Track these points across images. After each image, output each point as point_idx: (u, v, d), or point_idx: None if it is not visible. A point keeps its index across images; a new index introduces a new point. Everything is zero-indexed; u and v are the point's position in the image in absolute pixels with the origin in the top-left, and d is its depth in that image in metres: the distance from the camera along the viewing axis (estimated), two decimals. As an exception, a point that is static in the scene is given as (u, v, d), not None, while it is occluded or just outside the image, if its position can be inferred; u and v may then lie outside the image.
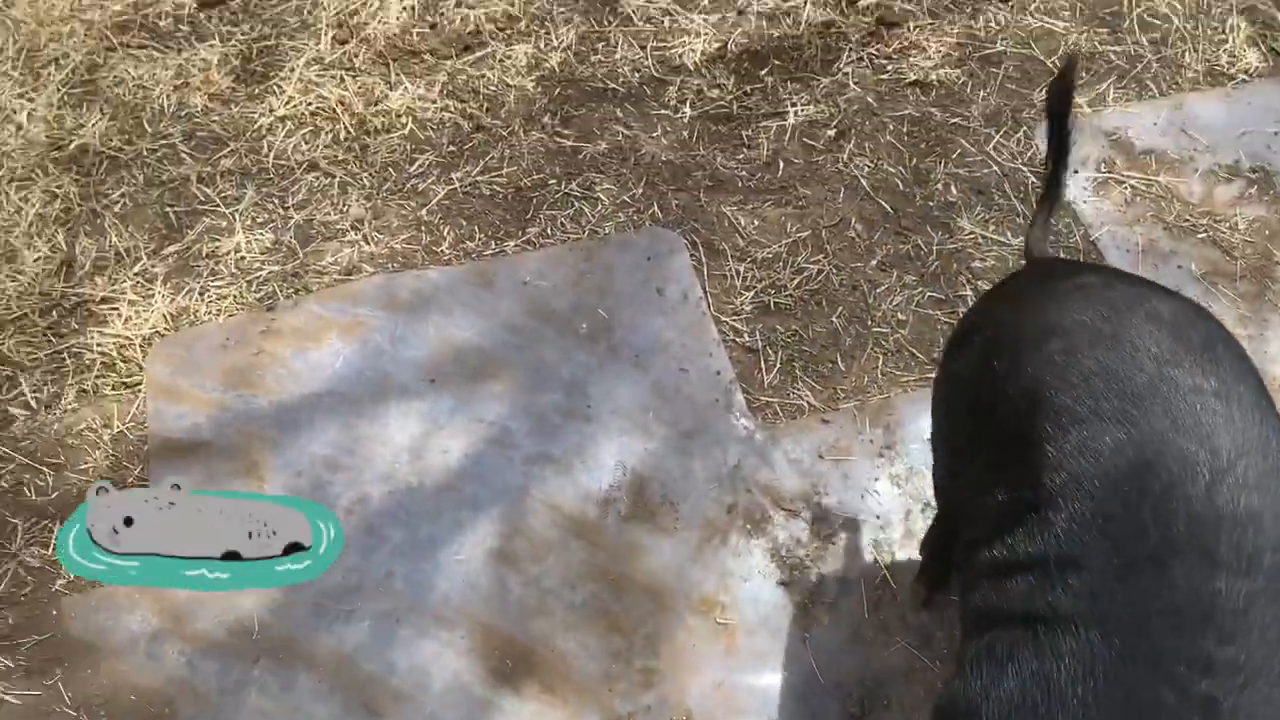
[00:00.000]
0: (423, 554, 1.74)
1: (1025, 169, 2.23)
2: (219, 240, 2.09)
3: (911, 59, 2.41)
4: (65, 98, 2.31)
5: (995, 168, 2.23)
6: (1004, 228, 2.15)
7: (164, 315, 1.98)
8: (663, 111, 2.32)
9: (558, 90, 2.35)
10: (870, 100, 2.35)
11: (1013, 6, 2.49)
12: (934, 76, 2.38)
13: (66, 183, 2.18)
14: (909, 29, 2.47)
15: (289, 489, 1.80)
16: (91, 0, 2.45)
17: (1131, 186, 2.20)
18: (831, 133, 2.29)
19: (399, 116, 2.28)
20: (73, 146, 2.23)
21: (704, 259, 2.09)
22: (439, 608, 1.69)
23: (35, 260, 2.07)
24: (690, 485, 1.82)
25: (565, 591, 1.71)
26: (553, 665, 1.64)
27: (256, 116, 2.27)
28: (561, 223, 2.14)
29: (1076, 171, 2.22)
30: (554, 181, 2.20)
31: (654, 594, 1.71)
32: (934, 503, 1.80)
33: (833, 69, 2.40)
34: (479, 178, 2.20)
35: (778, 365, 1.96)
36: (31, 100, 2.31)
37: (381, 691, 1.62)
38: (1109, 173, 2.22)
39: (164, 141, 2.22)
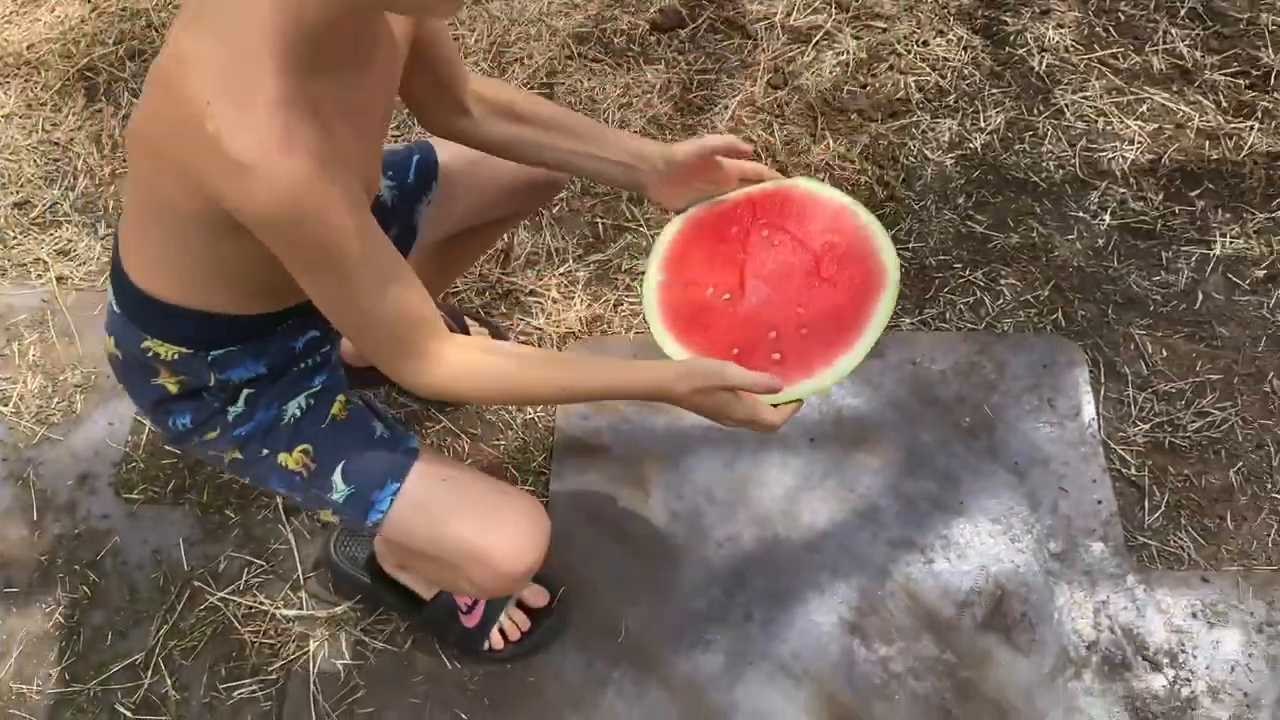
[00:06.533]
0: (780, 604, 1.83)
1: None
2: (637, 259, 2.25)
3: (1365, 210, 2.26)
4: (521, 95, 2.55)
5: None
6: None
7: (580, 318, 2.16)
8: (1081, 215, 2.29)
9: (976, 173, 2.36)
10: (1310, 247, 2.22)
11: None
12: (1388, 235, 2.21)
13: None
14: (1366, 176, 2.31)
15: (667, 510, 1.93)
16: (559, 7, 2.68)
17: None
18: (1261, 274, 2.19)
19: (817, 171, 2.37)
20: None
21: (1103, 378, 2.06)
22: (788, 660, 1.78)
23: (477, 241, 2.31)
24: (1052, 610, 1.81)
25: (910, 680, 1.76)
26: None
27: (687, 146, 2.41)
28: (960, 309, 2.16)
29: None
30: (959, 266, 2.22)
31: (998, 708, 1.72)
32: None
33: (1272, 205, 2.28)
34: (885, 247, 2.25)
35: (1162, 508, 1.91)
36: (493, 92, 2.56)
37: (723, 725, 1.73)
38: None
39: (604, 155, 2.41)
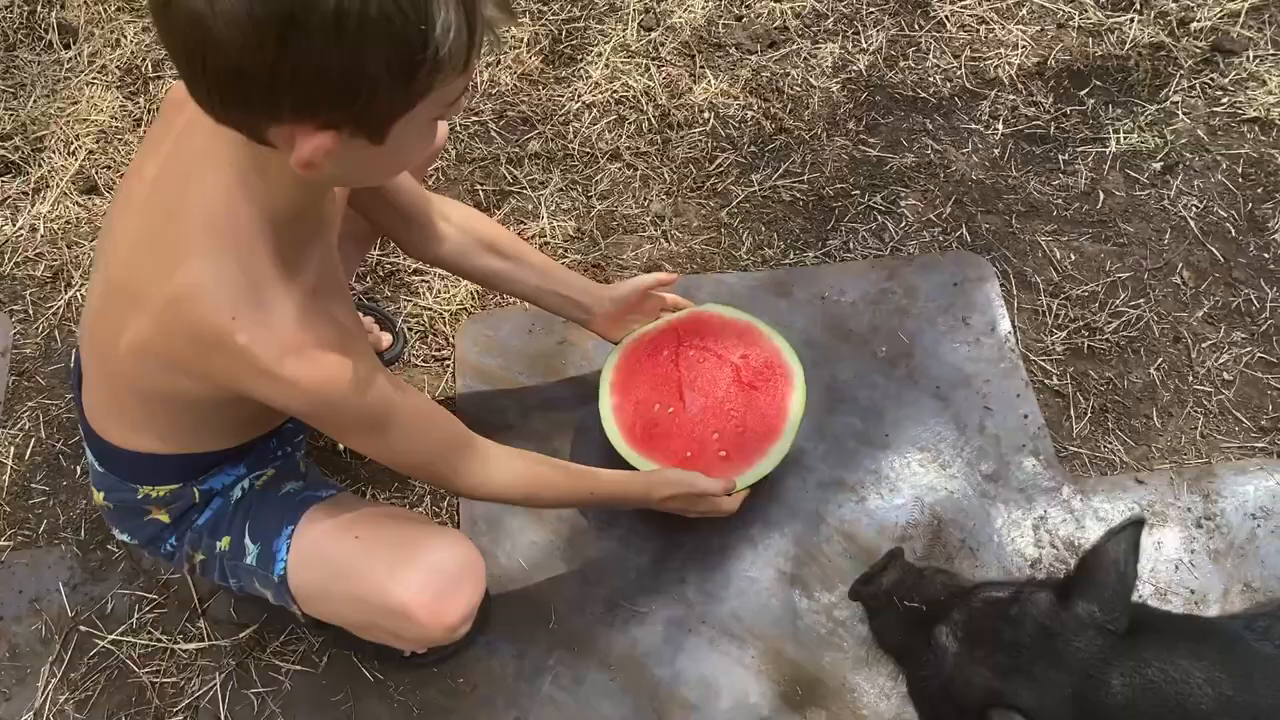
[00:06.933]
0: (713, 565, 1.75)
1: (1378, 226, 2.04)
2: (525, 223, 2.13)
3: (1250, 92, 2.23)
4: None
5: (1344, 222, 2.05)
6: (1350, 290, 1.97)
7: (471, 293, 2.03)
8: (974, 127, 2.23)
9: (864, 95, 2.28)
10: (1201, 134, 2.19)
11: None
12: (1276, 114, 2.20)
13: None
14: (1248, 59, 2.29)
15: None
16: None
17: None
18: (1157, 166, 2.15)
19: (701, 111, 2.26)
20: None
21: (1014, 290, 2.00)
22: (729, 622, 1.69)
23: (351, 224, 2.15)
24: (991, 532, 1.75)
25: (857, 625, 1.69)
26: (843, 699, 1.62)
27: (564, 101, 2.29)
28: (863, 236, 2.09)
29: None
30: (857, 192, 2.14)
31: (948, 641, 1.66)
32: (1256, 585, 1.69)
33: (1160, 96, 2.25)
34: (779, 182, 2.16)
35: (1089, 415, 1.86)
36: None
37: (670, 698, 1.63)
38: None
39: (475, 119, 2.27)
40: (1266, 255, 2.02)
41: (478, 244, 1.64)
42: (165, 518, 1.39)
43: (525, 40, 2.37)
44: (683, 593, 1.73)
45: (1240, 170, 2.13)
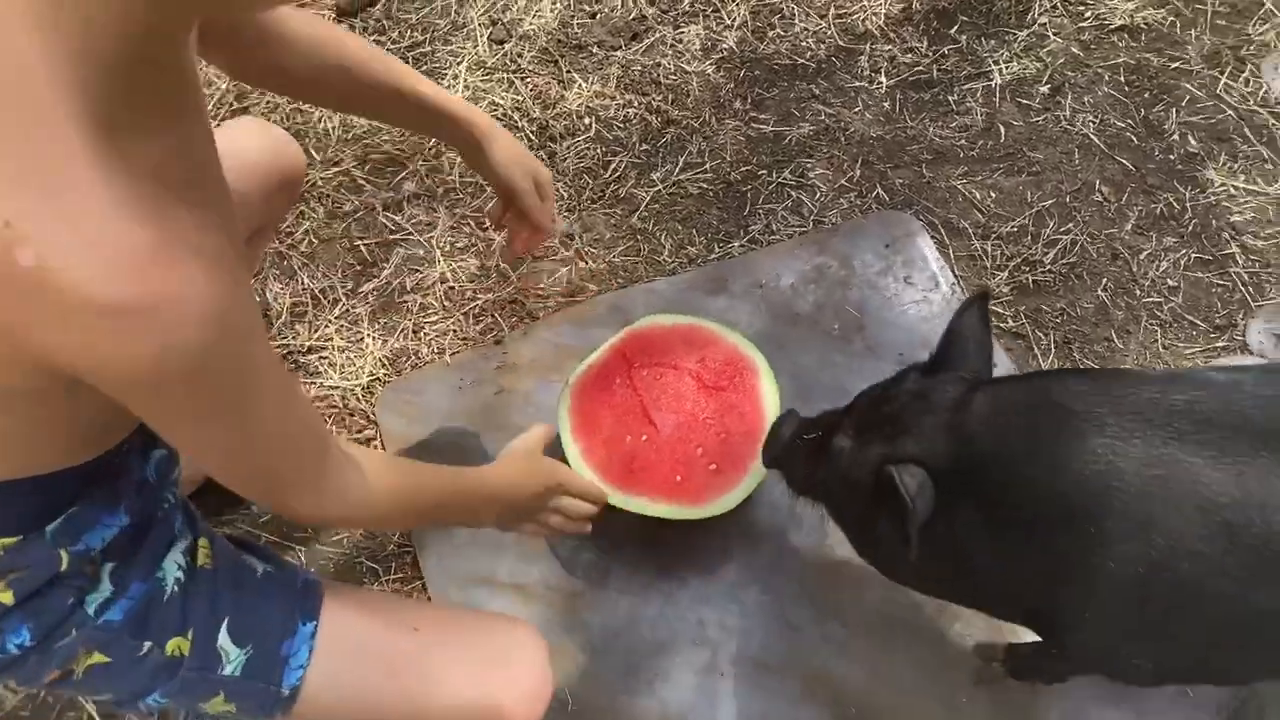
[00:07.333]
0: (726, 594, 1.59)
1: (1262, 110, 2.07)
2: (420, 270, 1.92)
3: (1110, 2, 2.24)
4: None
5: (1230, 111, 2.07)
6: (1255, 176, 1.99)
7: (380, 360, 1.81)
8: (858, 84, 2.15)
9: (742, 73, 2.17)
10: (1076, 51, 2.18)
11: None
12: (1139, 19, 2.21)
13: (235, 224, 2.00)
14: (1097, -30, 2.30)
15: (555, 556, 1.64)
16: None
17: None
18: (1045, 89, 2.13)
19: (581, 118, 2.10)
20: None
21: (946, 240, 1.93)
22: (760, 654, 1.54)
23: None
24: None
25: (897, 630, 1.56)
26: (900, 706, 1.50)
27: (428, 132, 2.08)
28: (782, 216, 1.98)
29: None
30: (764, 172, 2.03)
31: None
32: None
33: (1027, 20, 2.24)
34: (681, 176, 2.03)
35: (1053, 350, 1.81)
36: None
37: (719, 754, 1.47)
38: (1351, 105, 2.06)
39: (337, 169, 2.04)
40: (1172, 156, 2.02)
41: (331, 38, 1.22)
42: (6, 597, 0.93)
43: (370, 76, 2.15)
44: (702, 634, 1.56)
45: (1123, 79, 2.13)
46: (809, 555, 1.63)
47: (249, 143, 1.34)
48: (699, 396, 1.63)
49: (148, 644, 0.99)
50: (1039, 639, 1.32)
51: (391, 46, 2.20)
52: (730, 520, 1.58)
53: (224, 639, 1.02)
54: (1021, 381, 1.24)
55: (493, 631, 1.14)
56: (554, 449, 1.58)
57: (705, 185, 2.02)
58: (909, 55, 2.19)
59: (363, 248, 1.95)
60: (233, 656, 1.02)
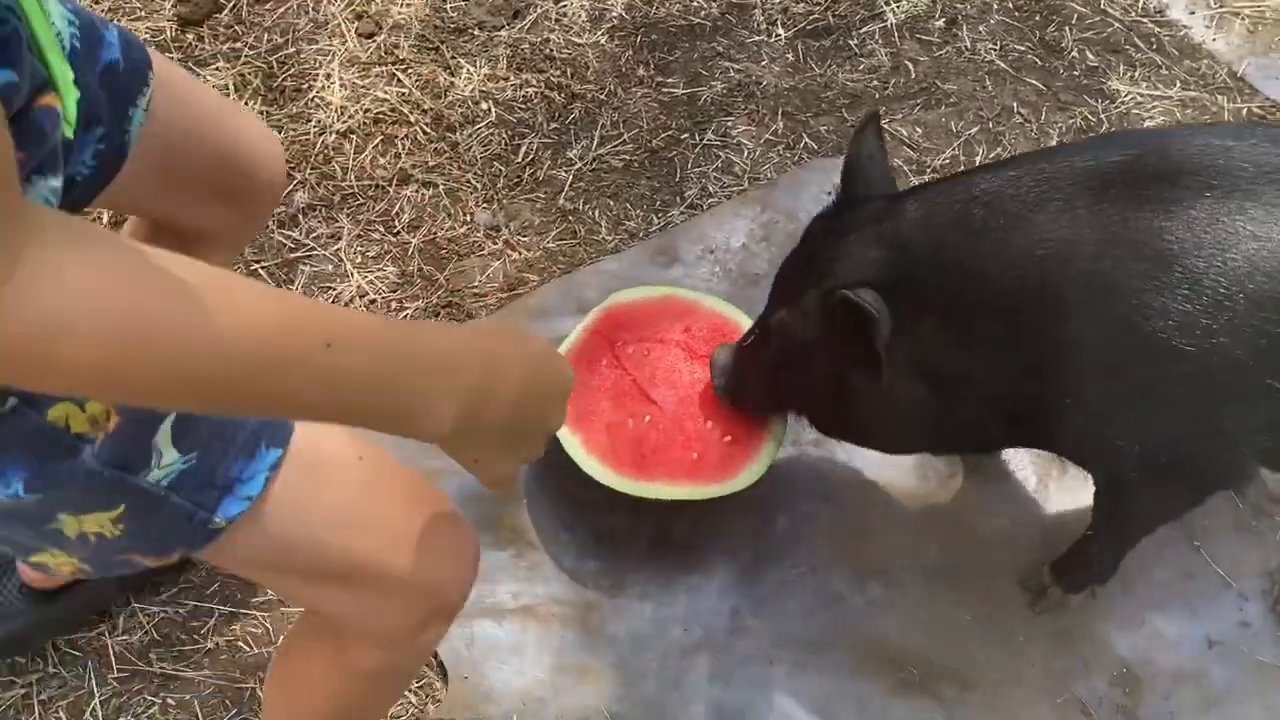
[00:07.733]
0: (752, 576, 1.46)
1: (1145, 20, 2.11)
2: (332, 287, 1.70)
3: (981, -66, 2.25)
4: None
5: (1117, 24, 2.10)
6: (1156, 82, 2.02)
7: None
8: (758, 38, 2.07)
9: (639, 39, 2.05)
10: (960, -17, 2.17)
11: None
12: (1012, -53, 2.22)
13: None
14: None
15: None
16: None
17: (1248, 16, 2.12)
18: (940, 24, 2.11)
19: (477, 103, 1.93)
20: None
21: (886, 179, 1.87)
22: (808, 632, 1.41)
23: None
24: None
25: (941, 582, 1.46)
26: (959, 661, 1.40)
27: (310, 138, 1.86)
28: (715, 177, 1.87)
29: (1193, 13, 2.13)
30: (686, 135, 1.91)
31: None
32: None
33: (905, -41, 2.21)
34: (600, 150, 1.89)
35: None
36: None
37: (789, 748, 1.33)
38: (1221, 7, 2.14)
39: (214, 189, 1.79)
40: (1076, 72, 2.03)
41: None
42: None
43: (232, 86, 1.91)
44: (739, 623, 1.42)
45: (1011, 5, 2.13)
46: (827, 518, 1.51)
47: (252, 132, 1.14)
48: (693, 367, 1.49)
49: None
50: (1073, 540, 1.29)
51: (249, 53, 1.97)
52: (735, 496, 1.45)
53: (162, 437, 0.77)
54: (945, 183, 1.20)
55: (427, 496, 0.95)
56: (552, 448, 1.41)
57: (628, 156, 1.88)
58: (801, 5, 2.13)
59: (261, 271, 1.71)
60: (165, 461, 0.77)
